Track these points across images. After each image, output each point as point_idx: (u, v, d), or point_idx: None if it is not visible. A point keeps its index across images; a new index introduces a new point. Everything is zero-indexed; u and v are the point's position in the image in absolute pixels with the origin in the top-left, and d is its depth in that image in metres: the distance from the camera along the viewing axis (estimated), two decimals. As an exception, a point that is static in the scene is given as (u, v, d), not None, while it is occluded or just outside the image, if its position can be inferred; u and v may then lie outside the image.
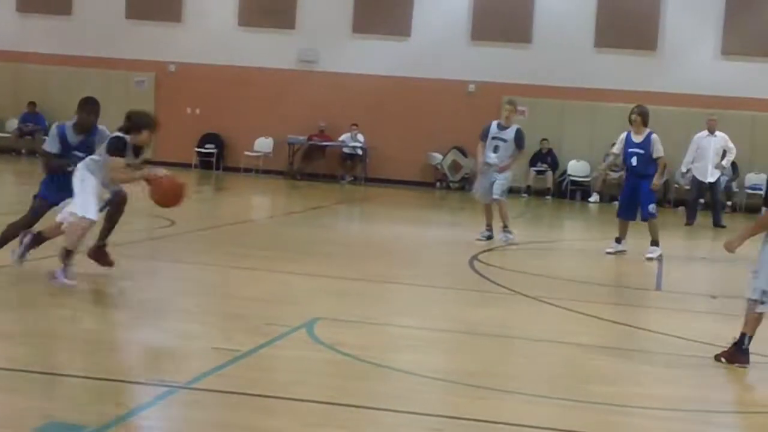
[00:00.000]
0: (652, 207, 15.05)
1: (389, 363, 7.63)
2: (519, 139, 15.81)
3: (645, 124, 15.13)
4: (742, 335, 8.14)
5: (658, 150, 15.06)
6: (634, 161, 15.06)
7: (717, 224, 21.32)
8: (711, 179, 21.51)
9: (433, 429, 6.10)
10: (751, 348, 8.09)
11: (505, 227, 15.83)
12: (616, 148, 15.54)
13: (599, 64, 27.51)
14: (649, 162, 15.03)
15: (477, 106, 26.81)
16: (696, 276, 14.67)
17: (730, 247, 8.25)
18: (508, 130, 15.81)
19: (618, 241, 15.34)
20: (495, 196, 15.73)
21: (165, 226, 15.32)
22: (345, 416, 6.27)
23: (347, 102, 28.70)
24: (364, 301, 10.49)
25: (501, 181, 15.78)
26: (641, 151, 14.99)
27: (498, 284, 11.78)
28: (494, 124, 15.98)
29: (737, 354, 8.15)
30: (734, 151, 21.60)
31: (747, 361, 8.13)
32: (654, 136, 15.07)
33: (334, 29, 29.02)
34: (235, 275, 11.58)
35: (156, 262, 12.05)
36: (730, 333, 8.31)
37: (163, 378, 6.74)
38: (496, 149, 15.76)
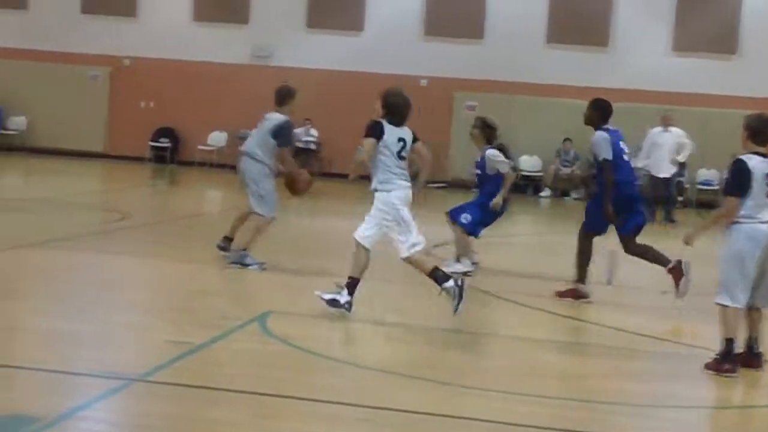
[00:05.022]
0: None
1: (338, 355, 7.73)
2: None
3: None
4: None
5: None
6: None
7: (668, 219, 21.28)
8: (665, 174, 21.29)
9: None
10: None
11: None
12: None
13: (550, 59, 27.63)
14: None
15: (429, 101, 26.91)
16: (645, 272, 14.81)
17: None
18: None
19: None
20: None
21: (117, 219, 15.32)
22: (296, 408, 6.37)
23: (300, 96, 28.58)
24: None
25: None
26: None
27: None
28: None
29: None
30: (690, 146, 21.43)
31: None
32: None
33: (288, 24, 29.03)
34: (187, 269, 11.56)
35: (107, 255, 12.00)
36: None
37: (118, 371, 6.79)
38: None
